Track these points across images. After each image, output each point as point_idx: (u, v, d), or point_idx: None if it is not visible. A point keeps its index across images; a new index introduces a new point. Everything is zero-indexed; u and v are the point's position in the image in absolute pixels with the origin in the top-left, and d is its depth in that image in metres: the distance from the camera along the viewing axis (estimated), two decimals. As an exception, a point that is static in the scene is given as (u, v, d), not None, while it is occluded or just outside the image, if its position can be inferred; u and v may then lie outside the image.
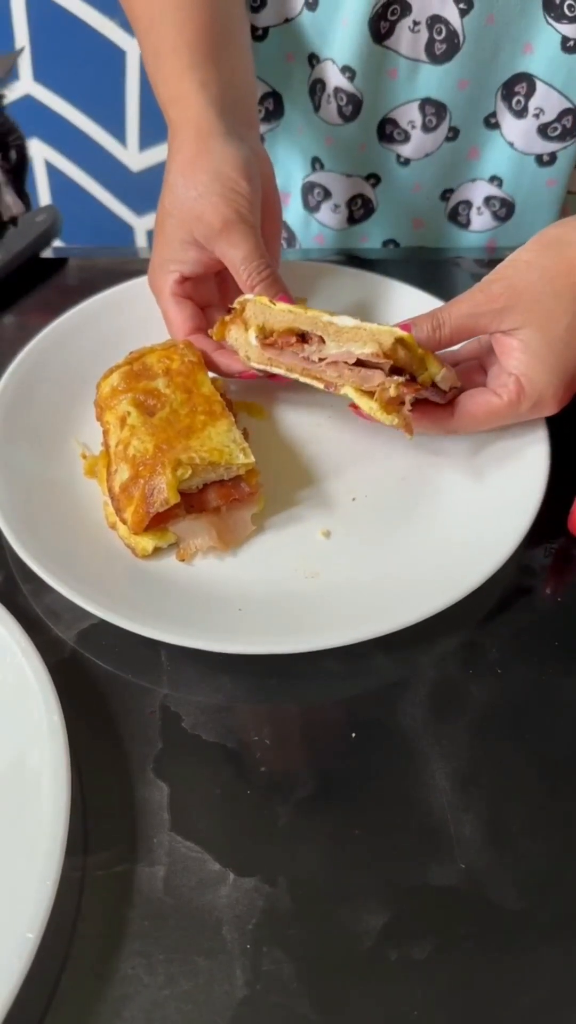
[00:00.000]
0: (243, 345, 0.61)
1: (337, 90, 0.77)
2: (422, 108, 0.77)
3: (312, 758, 0.49)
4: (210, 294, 0.66)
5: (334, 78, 0.77)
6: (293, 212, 0.91)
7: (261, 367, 0.60)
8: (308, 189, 0.87)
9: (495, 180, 0.82)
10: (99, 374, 0.63)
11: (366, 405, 0.56)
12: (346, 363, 0.56)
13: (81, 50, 1.54)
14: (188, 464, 0.55)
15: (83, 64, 1.57)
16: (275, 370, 0.59)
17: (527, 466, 0.59)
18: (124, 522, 0.56)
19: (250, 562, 0.57)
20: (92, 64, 1.56)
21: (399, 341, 0.55)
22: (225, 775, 0.48)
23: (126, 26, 1.49)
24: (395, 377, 0.55)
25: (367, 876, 0.45)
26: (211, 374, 0.63)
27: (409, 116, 0.78)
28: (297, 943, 0.42)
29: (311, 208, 0.89)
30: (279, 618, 0.53)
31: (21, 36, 1.54)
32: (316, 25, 0.75)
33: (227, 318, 0.62)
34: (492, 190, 0.83)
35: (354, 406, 0.57)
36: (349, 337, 0.55)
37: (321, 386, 0.57)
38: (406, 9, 0.71)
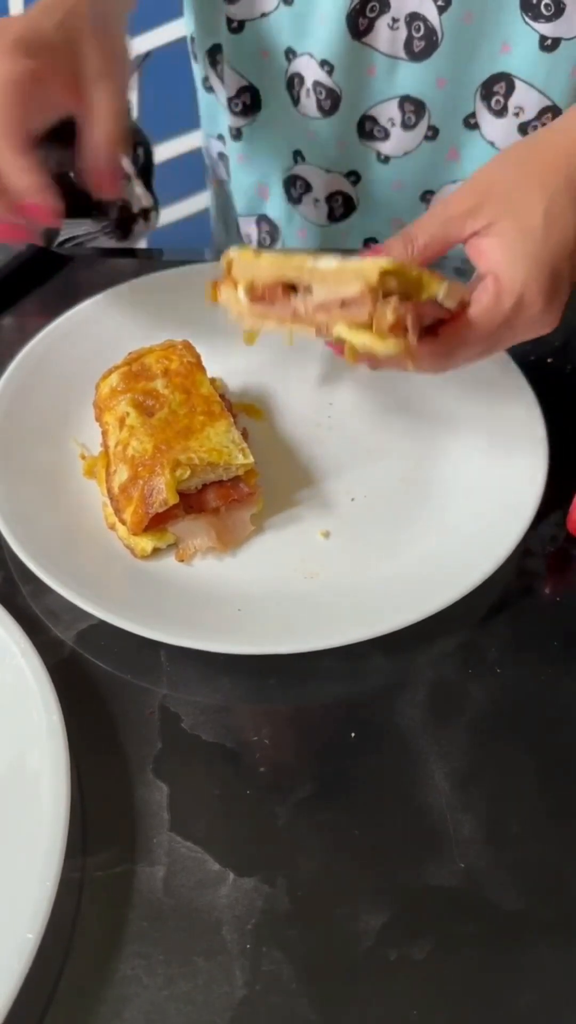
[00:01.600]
0: (234, 304, 0.56)
1: (316, 84, 0.77)
2: (401, 105, 0.77)
3: (311, 758, 0.49)
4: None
5: (313, 72, 0.77)
6: (275, 206, 0.90)
7: (255, 324, 0.55)
8: (291, 182, 0.87)
9: None
10: (98, 375, 0.63)
11: (359, 340, 0.50)
12: (335, 304, 0.51)
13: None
14: (187, 465, 0.55)
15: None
16: (268, 325, 0.55)
17: (526, 466, 0.59)
18: (123, 523, 0.56)
19: (249, 562, 0.57)
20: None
21: (386, 273, 0.49)
22: (225, 775, 0.48)
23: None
24: (388, 299, 0.50)
25: (366, 876, 0.45)
26: (211, 375, 0.63)
27: (389, 113, 0.78)
28: (296, 943, 0.42)
29: (294, 201, 0.89)
30: (278, 618, 0.53)
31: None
32: (293, 20, 0.75)
33: (218, 280, 0.57)
34: None
35: (340, 349, 0.54)
36: (335, 279, 0.51)
37: (313, 331, 0.53)
38: (385, 6, 0.71)
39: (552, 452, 0.59)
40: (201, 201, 1.70)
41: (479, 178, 0.54)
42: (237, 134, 0.86)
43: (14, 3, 1.50)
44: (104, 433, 0.61)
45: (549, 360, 0.69)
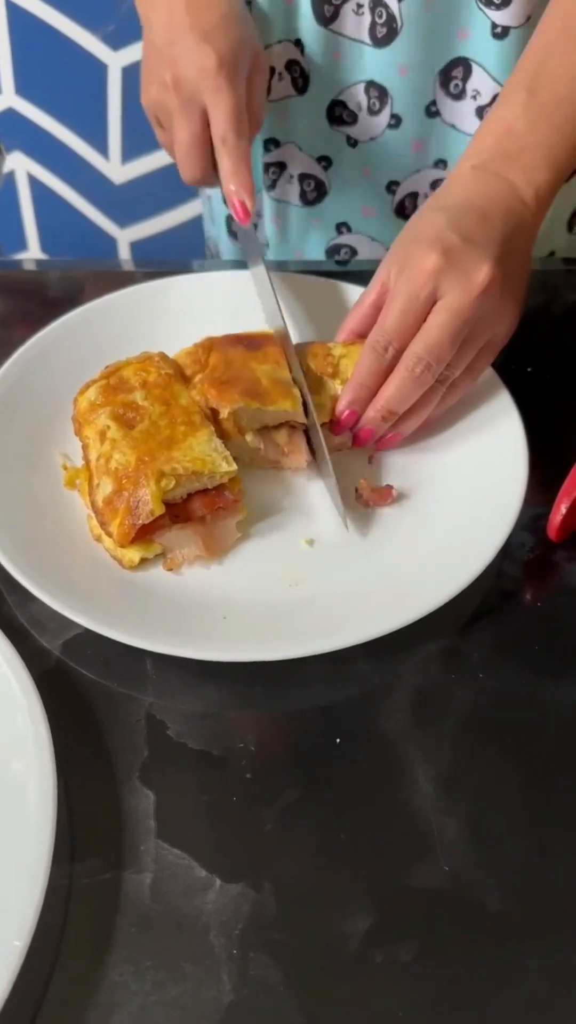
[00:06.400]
0: (247, 451, 0.62)
1: (291, 63, 0.78)
2: (367, 91, 0.79)
3: (297, 764, 0.50)
4: None
5: (287, 53, 0.78)
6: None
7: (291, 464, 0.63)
8: (265, 169, 0.87)
9: (440, 164, 0.83)
10: (77, 389, 0.63)
11: None
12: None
13: (63, 64, 1.55)
14: (171, 475, 0.55)
15: (65, 77, 1.57)
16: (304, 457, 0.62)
17: (507, 473, 0.60)
18: (110, 535, 0.56)
19: (234, 570, 0.58)
20: (74, 77, 1.57)
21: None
22: (211, 782, 0.49)
23: (108, 40, 1.50)
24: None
25: (352, 880, 0.45)
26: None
27: (356, 98, 0.79)
28: (283, 947, 0.42)
29: (268, 187, 0.89)
30: (263, 625, 0.53)
31: (3, 49, 1.55)
32: (265, 5, 0.76)
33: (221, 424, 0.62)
34: (438, 174, 0.84)
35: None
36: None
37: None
38: None
39: (532, 460, 0.60)
40: (192, 209, 1.71)
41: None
42: None
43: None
44: (85, 447, 0.61)
45: (529, 369, 0.70)
